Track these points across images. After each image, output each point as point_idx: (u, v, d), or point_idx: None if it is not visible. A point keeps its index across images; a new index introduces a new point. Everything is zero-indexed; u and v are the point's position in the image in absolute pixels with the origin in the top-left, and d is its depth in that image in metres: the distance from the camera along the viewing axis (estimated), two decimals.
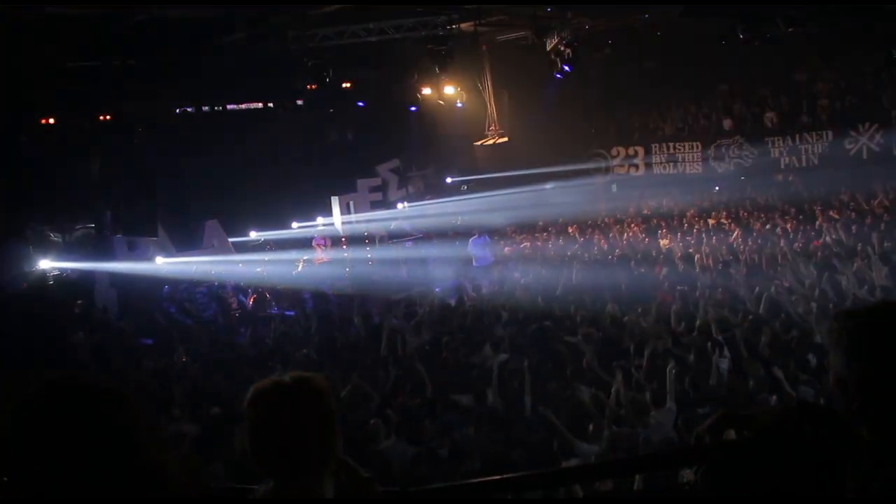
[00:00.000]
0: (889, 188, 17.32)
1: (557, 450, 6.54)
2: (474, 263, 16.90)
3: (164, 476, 1.84)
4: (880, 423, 1.68)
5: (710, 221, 17.25)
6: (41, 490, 1.67)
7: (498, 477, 2.45)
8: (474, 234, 17.36)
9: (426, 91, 20.54)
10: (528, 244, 18.36)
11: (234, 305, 17.18)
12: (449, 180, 24.95)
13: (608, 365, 8.45)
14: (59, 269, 15.93)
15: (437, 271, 16.96)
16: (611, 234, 17.58)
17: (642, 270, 13.70)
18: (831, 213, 15.75)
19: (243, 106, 19.31)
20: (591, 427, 7.01)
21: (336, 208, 21.78)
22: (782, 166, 21.50)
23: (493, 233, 18.99)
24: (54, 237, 16.25)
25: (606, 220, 20.04)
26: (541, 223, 20.52)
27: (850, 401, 1.70)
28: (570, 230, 18.97)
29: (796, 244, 13.84)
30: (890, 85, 19.87)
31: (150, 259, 17.48)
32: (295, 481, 1.95)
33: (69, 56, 14.06)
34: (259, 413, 1.95)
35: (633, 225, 18.53)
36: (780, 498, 1.94)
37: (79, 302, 15.06)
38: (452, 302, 13.39)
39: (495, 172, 23.41)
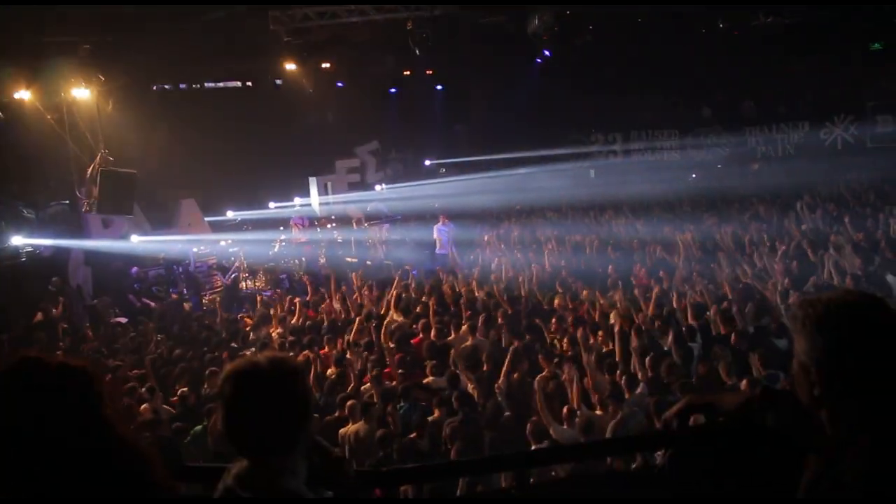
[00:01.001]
0: (863, 179, 17.56)
1: (530, 433, 6.60)
2: (437, 250, 16.81)
3: (137, 453, 1.86)
4: (839, 410, 1.72)
5: (688, 209, 17.32)
6: (10, 466, 1.69)
7: (469, 458, 2.49)
8: (439, 222, 17.28)
9: (406, 73, 20.49)
10: (506, 227, 18.40)
11: (217, 284, 17.15)
12: (427, 163, 24.94)
13: (581, 349, 8.54)
14: (33, 245, 15.76)
15: (414, 254, 16.97)
16: (588, 220, 17.66)
17: (618, 255, 13.81)
18: (806, 199, 15.92)
19: (221, 84, 19.16)
20: (564, 410, 7.09)
21: (314, 189, 21.72)
22: (759, 155, 21.69)
23: (471, 217, 18.99)
24: (27, 213, 16.05)
25: (583, 205, 20.14)
26: (518, 207, 20.58)
27: (812, 387, 1.74)
28: (548, 215, 19.03)
29: (771, 232, 13.98)
30: (867, 77, 20.06)
31: (125, 237, 17.34)
32: (268, 460, 1.97)
33: (45, 31, 13.85)
34: (233, 393, 1.97)
35: (609, 210, 18.62)
36: (744, 482, 1.99)
37: (54, 279, 14.92)
38: (428, 284, 13.41)
39: (474, 156, 23.42)
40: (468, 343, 9.53)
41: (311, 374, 8.76)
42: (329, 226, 20.37)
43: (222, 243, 18.80)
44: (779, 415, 2.02)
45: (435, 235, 17.08)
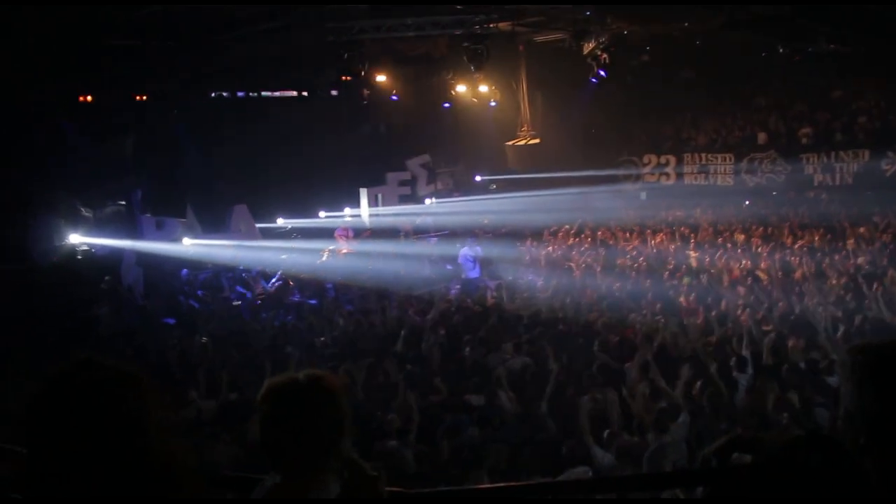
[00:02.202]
0: None
1: (566, 454, 6.53)
2: (463, 275, 16.65)
3: (170, 463, 1.88)
4: (884, 459, 1.68)
5: (740, 237, 16.96)
6: (48, 467, 1.71)
7: (502, 484, 2.46)
8: (465, 245, 17.15)
9: (460, 88, 20.57)
10: (554, 248, 18.29)
11: (259, 291, 17.31)
12: (478, 178, 24.96)
13: (625, 373, 8.44)
14: (88, 244, 16.14)
15: (460, 269, 16.94)
16: (636, 243, 17.45)
17: (667, 280, 13.63)
18: (862, 230, 15.55)
19: (277, 93, 19.45)
20: (605, 434, 7.00)
21: (364, 200, 21.88)
22: (815, 184, 21.23)
23: (517, 235, 18.91)
24: (85, 212, 16.46)
25: (634, 227, 19.94)
26: (567, 227, 20.45)
27: (858, 434, 1.71)
28: (599, 234, 18.87)
29: (825, 263, 13.67)
30: None
31: (177, 240, 17.66)
32: (302, 476, 1.99)
33: (109, 35, 14.22)
34: (271, 409, 1.99)
35: (659, 234, 18.40)
36: None
37: (106, 278, 15.26)
38: (472, 301, 13.40)
39: (525, 174, 23.37)
40: (511, 361, 9.48)
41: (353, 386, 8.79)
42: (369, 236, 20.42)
43: (270, 251, 19.03)
44: (822, 460, 1.96)
45: (460, 260, 16.92)
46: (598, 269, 14.81)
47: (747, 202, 21.59)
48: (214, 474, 2.41)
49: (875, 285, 11.23)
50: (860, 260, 13.47)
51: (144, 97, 16.18)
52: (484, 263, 16.87)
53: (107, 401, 1.77)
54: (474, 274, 16.42)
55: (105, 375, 1.82)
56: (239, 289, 16.85)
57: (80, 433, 1.73)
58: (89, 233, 16.19)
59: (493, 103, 21.81)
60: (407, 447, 7.11)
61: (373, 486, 2.22)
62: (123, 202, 17.36)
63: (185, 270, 17.13)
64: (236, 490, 2.37)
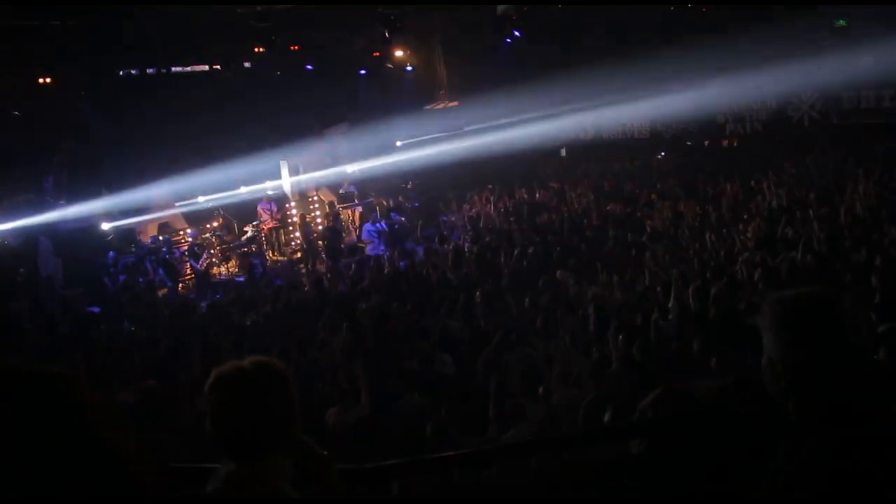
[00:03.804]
0: (830, 156, 17.84)
1: (504, 413, 6.67)
2: (367, 250, 16.60)
3: (125, 459, 1.87)
4: (804, 403, 1.80)
5: (653, 195, 17.21)
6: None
7: (451, 453, 2.54)
8: (368, 222, 17.17)
9: (376, 54, 20.41)
10: (477, 209, 18.46)
11: (188, 271, 17.02)
12: (399, 144, 24.85)
13: (556, 329, 8.64)
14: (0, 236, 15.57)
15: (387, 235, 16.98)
16: (555, 201, 17.73)
17: (592, 234, 13.93)
18: (771, 178, 16.13)
19: (189, 69, 18.93)
20: (540, 389, 7.17)
21: (285, 171, 21.60)
22: (727, 132, 21.85)
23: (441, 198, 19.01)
24: None
25: (554, 184, 20.26)
26: (490, 187, 20.62)
27: (779, 380, 1.82)
28: (518, 195, 19.11)
29: (740, 209, 14.17)
30: (831, 54, 20.19)
31: (95, 225, 17.17)
32: (255, 463, 2.02)
33: (5, 15, 13.57)
34: (219, 398, 2.01)
35: (580, 189, 18.72)
36: (715, 473, 2.07)
37: (21, 270, 14.75)
38: (402, 266, 13.46)
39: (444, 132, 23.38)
40: (445, 324, 9.59)
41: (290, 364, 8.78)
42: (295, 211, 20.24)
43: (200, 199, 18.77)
44: (750, 405, 2.10)
45: (364, 237, 16.90)
46: (522, 227, 15.01)
47: (662, 153, 22.18)
48: (165, 468, 2.41)
49: (788, 228, 11.69)
50: (773, 203, 13.97)
51: (48, 80, 15.50)
52: (398, 234, 16.90)
53: (40, 408, 1.75)
54: (377, 250, 16.37)
55: (32, 382, 1.79)
56: (161, 272, 16.54)
57: (14, 446, 1.71)
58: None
59: (409, 68, 21.69)
60: (346, 416, 7.17)
61: (325, 466, 2.27)
62: (34, 190, 16.74)
63: (111, 253, 16.65)
64: (190, 481, 2.38)
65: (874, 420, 1.75)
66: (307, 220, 19.80)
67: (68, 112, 15.86)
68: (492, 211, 17.76)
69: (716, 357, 7.12)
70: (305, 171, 21.94)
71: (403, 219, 18.71)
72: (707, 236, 12.11)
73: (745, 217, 13.19)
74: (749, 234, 11.95)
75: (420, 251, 15.25)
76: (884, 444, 1.72)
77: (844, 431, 1.73)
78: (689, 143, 22.29)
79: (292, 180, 21.57)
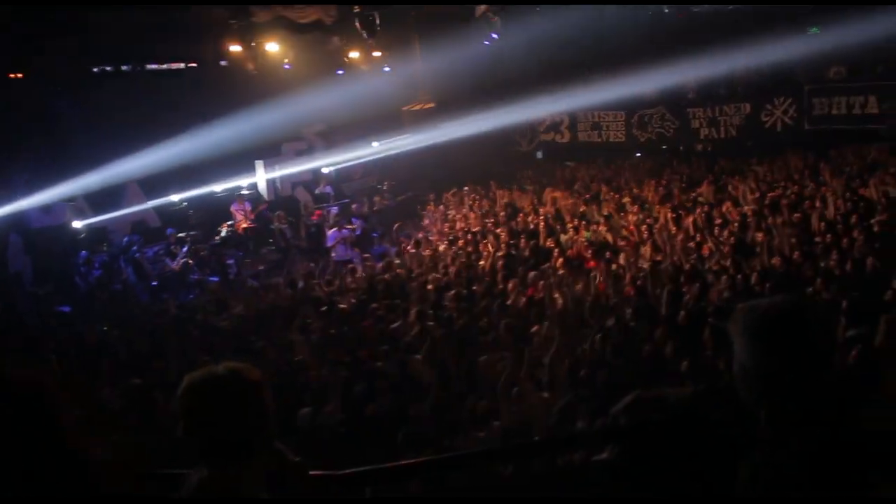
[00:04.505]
0: (799, 160, 18.08)
1: (476, 416, 6.69)
2: (333, 256, 16.49)
3: (93, 462, 1.86)
4: (776, 411, 1.83)
5: (626, 199, 17.21)
6: None
7: (426, 458, 2.54)
8: (334, 228, 17.13)
9: (353, 55, 20.37)
10: (454, 212, 18.47)
11: (164, 269, 16.82)
12: (375, 144, 24.78)
13: (530, 331, 8.67)
14: None
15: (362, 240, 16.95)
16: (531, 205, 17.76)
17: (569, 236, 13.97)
18: (748, 182, 16.28)
19: (165, 66, 18.75)
20: (514, 391, 7.19)
21: (260, 171, 21.49)
22: (702, 136, 22.05)
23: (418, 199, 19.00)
24: None
25: (530, 186, 20.36)
26: (466, 188, 20.65)
27: (751, 388, 1.85)
28: (496, 196, 19.13)
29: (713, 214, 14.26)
30: (804, 60, 20.44)
31: (66, 223, 16.95)
32: (229, 468, 2.01)
33: None
34: (193, 403, 2.00)
35: (557, 192, 18.78)
36: (688, 479, 2.09)
37: None
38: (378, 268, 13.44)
39: (421, 133, 23.38)
40: (416, 329, 9.57)
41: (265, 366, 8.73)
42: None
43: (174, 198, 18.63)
44: (722, 411, 2.13)
45: (329, 242, 16.86)
46: (499, 231, 15.04)
47: (638, 155, 22.38)
48: (139, 470, 2.40)
49: (759, 235, 11.80)
50: (746, 209, 14.09)
51: (20, 75, 15.26)
52: (363, 240, 16.86)
53: (9, 413, 1.74)
54: (342, 255, 16.28)
55: (4, 384, 1.78)
56: (130, 271, 16.36)
57: None
58: None
59: (386, 69, 21.68)
60: (325, 419, 7.15)
61: (299, 472, 2.27)
62: (2, 187, 16.47)
63: (83, 252, 16.41)
64: (163, 485, 2.37)
65: (843, 425, 1.78)
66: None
67: (41, 108, 15.60)
68: (468, 212, 17.79)
69: (687, 361, 7.19)
70: (281, 170, 21.89)
71: (363, 223, 18.83)
72: (680, 240, 12.20)
73: (718, 222, 13.27)
74: (722, 239, 12.05)
75: (393, 252, 15.25)
76: (853, 448, 1.75)
77: (815, 436, 1.76)
78: (664, 147, 22.46)
79: (267, 176, 21.52)
